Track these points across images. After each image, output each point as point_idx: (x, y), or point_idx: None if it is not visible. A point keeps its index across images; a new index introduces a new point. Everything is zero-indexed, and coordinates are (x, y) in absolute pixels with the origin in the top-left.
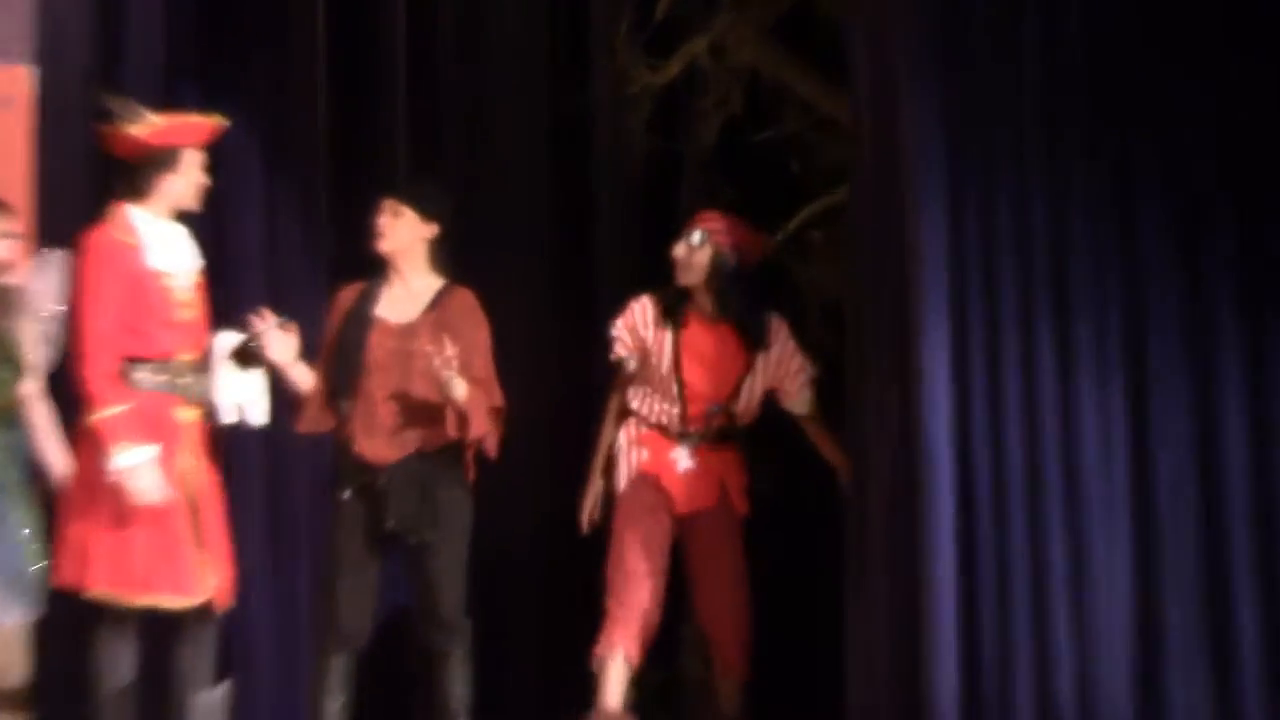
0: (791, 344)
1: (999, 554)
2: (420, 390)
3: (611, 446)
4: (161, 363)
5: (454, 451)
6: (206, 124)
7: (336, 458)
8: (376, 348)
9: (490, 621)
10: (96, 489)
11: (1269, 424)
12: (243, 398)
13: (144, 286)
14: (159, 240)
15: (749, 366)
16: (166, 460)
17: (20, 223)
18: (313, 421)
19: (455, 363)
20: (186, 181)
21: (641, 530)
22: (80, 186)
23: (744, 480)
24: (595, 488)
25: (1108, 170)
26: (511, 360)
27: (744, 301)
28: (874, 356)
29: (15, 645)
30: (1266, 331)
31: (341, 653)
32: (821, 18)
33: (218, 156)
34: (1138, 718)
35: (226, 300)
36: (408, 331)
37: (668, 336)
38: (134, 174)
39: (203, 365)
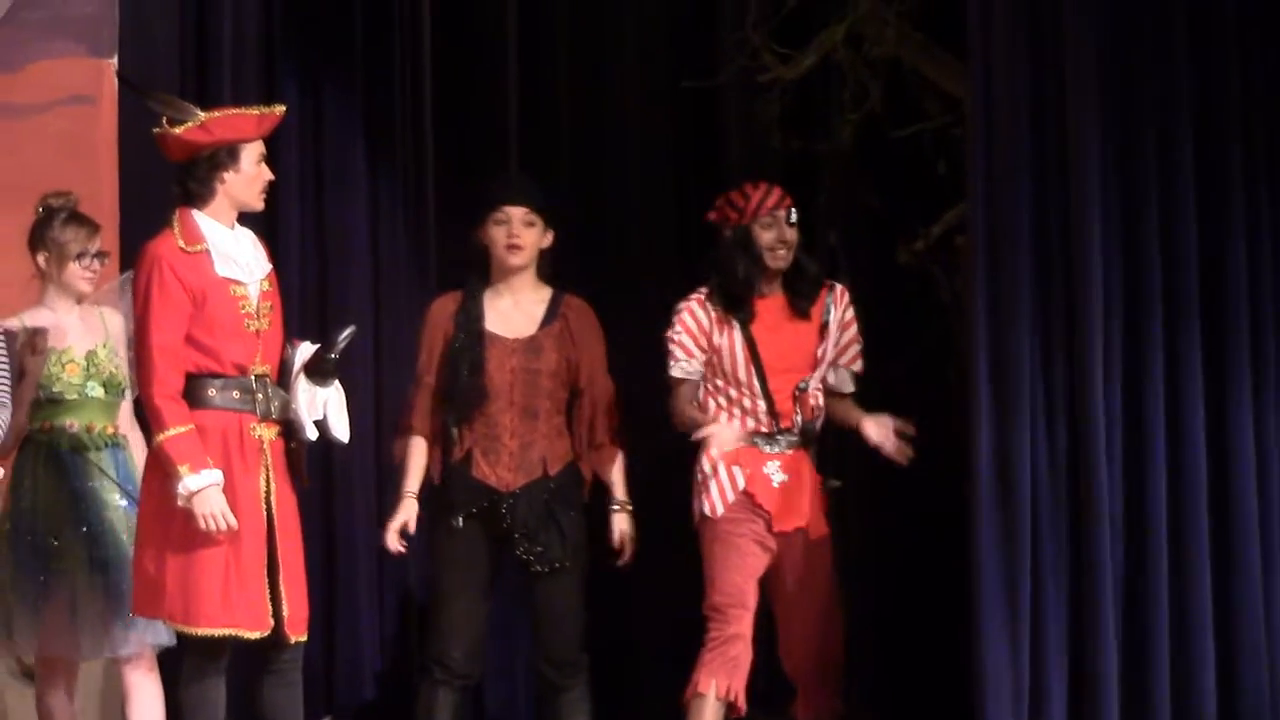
0: (853, 313)
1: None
2: (546, 410)
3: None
4: (234, 378)
5: (574, 472)
6: (262, 115)
7: (446, 482)
8: (498, 368)
9: (610, 654)
10: (167, 514)
11: None
12: (321, 413)
13: (211, 297)
14: (225, 246)
15: (819, 337)
16: (243, 481)
17: (105, 239)
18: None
19: None
20: (247, 179)
21: (749, 560)
22: (167, 189)
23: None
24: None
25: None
26: (629, 374)
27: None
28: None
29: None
30: None
31: (452, 689)
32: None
33: (320, 145)
34: None
35: (330, 299)
36: (530, 347)
37: (736, 332)
38: (191, 176)
39: (282, 380)
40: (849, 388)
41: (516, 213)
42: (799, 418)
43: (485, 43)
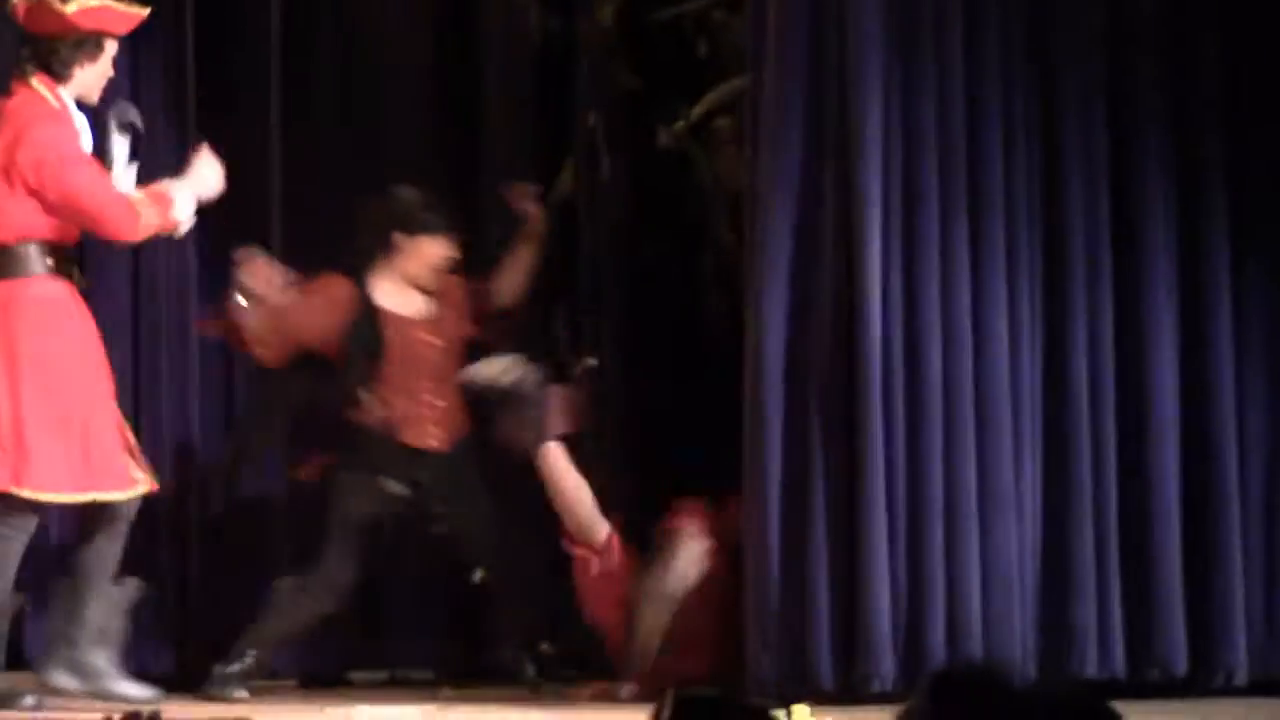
0: None
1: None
2: (454, 375)
3: None
4: (67, 245)
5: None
6: (132, 14)
7: (366, 446)
8: (402, 339)
9: None
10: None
11: (1200, 330)
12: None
13: None
14: (82, 126)
15: None
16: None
17: None
18: None
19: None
20: (100, 72)
21: None
22: None
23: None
24: None
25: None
26: None
27: None
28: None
29: None
30: (1198, 231)
31: (323, 605)
32: None
33: None
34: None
35: None
36: (429, 319)
37: None
38: (53, 54)
39: None
40: None
41: (450, 239)
42: None
43: None
